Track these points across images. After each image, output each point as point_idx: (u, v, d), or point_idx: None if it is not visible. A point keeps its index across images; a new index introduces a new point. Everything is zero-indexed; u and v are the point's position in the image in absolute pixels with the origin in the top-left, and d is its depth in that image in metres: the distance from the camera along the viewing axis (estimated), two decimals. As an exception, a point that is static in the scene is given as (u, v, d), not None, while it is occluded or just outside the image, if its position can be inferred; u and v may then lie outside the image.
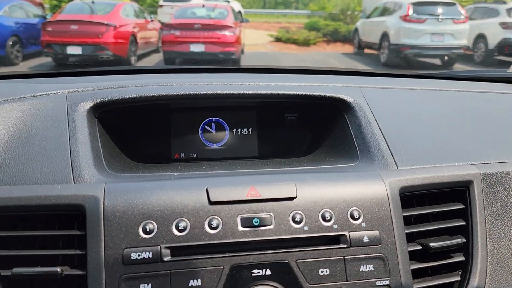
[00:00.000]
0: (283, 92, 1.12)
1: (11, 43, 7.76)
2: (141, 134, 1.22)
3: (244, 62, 8.94)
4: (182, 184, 0.84)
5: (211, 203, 0.81)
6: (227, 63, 8.14)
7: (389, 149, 1.01)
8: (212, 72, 1.59)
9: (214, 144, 1.24)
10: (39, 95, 1.05)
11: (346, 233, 0.83)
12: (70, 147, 0.90)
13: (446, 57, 9.31)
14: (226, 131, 1.24)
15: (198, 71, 1.58)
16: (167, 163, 1.14)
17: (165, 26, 8.76)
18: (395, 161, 0.98)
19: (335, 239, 0.84)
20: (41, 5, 10.16)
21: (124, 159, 1.08)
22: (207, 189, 0.82)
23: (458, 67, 9.09)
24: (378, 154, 0.99)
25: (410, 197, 0.94)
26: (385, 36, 9.45)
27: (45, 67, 7.75)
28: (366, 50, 10.81)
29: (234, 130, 1.25)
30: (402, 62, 9.09)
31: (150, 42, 9.38)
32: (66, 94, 1.04)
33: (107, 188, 0.81)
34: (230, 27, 8.27)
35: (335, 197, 0.85)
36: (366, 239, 0.83)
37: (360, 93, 1.18)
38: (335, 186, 0.87)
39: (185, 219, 0.80)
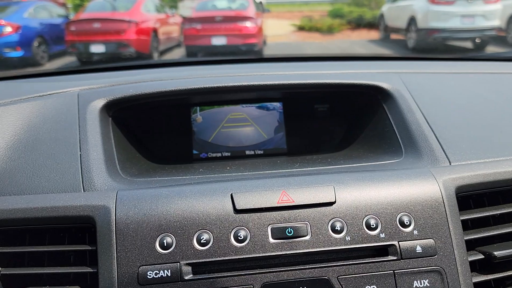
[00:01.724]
0: (313, 81, 1.01)
1: (37, 44, 7.87)
2: (160, 132, 1.13)
3: (267, 53, 8.79)
4: (204, 189, 0.74)
5: (237, 211, 0.71)
6: (250, 55, 8.02)
7: (438, 141, 0.88)
8: (235, 63, 1.48)
9: (239, 141, 1.14)
10: (49, 94, 0.97)
11: (395, 243, 0.71)
12: (80, 151, 0.82)
13: (477, 40, 8.89)
14: (251, 127, 1.14)
15: (219, 62, 1.48)
16: (188, 163, 1.04)
17: (186, 20, 8.70)
18: (446, 156, 0.85)
19: (383, 251, 0.72)
20: (64, 5, 10.27)
21: (141, 161, 0.99)
22: (231, 195, 0.72)
23: (491, 49, 8.68)
24: (426, 148, 0.87)
25: (467, 197, 0.81)
26: (412, 20, 9.10)
27: (69, 66, 7.82)
28: (393, 36, 10.47)
29: (260, 124, 1.14)
30: (431, 47, 8.75)
31: (172, 37, 9.35)
32: (77, 92, 0.96)
33: (119, 196, 0.72)
34: (251, 18, 8.14)
35: (380, 201, 0.73)
36: (419, 250, 0.71)
37: (399, 79, 1.06)
38: (379, 188, 0.75)
39: (208, 231, 0.70)
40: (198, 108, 1.15)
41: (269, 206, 0.71)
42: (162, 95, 0.97)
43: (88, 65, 7.56)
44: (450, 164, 0.84)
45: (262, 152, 1.15)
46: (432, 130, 0.90)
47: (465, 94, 1.05)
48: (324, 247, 0.70)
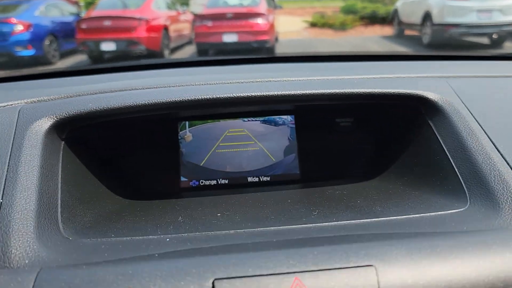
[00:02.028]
0: (337, 91, 0.74)
1: (48, 42, 7.70)
2: (137, 155, 0.87)
3: (279, 51, 8.47)
4: (172, 271, 0.47)
5: None
6: (261, 53, 7.73)
7: None
8: (240, 63, 1.21)
9: (239, 165, 0.88)
10: None
11: None
12: (1, 198, 0.56)
13: (495, 36, 8.46)
14: (255, 146, 0.88)
15: (223, 63, 1.21)
16: (169, 199, 0.78)
17: (197, 17, 8.43)
18: None
19: None
20: (76, 3, 10.07)
21: (106, 199, 0.73)
22: (213, 283, 0.45)
23: (510, 46, 8.25)
24: (505, 192, 0.59)
25: None
26: (427, 15, 8.70)
27: (80, 65, 7.63)
28: (407, 32, 10.07)
29: (266, 144, 0.88)
30: (447, 43, 8.35)
31: (183, 34, 9.10)
32: (19, 108, 0.70)
33: (39, 282, 0.46)
34: (263, 14, 7.84)
35: None
36: None
37: (448, 86, 0.78)
38: (448, 269, 0.47)
39: None
40: (187, 123, 0.89)
41: None
42: (133, 111, 0.71)
43: (99, 63, 7.33)
44: None
45: (268, 178, 0.88)
46: (508, 164, 0.62)
47: None
48: None
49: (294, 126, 0.91)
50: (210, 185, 0.88)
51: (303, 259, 0.48)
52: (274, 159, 0.89)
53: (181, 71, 1.12)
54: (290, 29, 10.95)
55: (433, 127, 0.73)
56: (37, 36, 7.49)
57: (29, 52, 7.44)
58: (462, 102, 0.74)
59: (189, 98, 0.72)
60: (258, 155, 0.89)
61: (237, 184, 0.88)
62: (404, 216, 0.60)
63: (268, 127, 0.90)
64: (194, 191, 0.86)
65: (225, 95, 0.73)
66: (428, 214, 0.61)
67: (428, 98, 0.75)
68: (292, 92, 0.74)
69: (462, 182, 0.64)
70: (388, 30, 10.67)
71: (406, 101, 0.77)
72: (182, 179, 0.87)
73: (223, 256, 0.49)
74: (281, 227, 0.59)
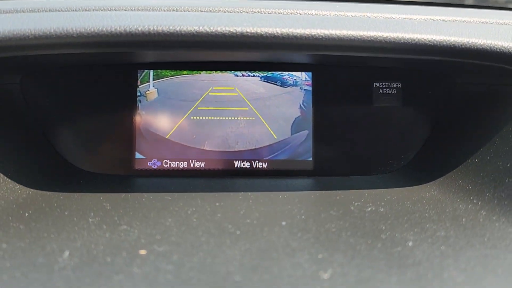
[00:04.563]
0: (394, 35, 0.41)
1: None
2: (67, 122, 0.58)
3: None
4: None
5: None
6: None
7: None
8: None
9: (223, 141, 0.58)
10: None
11: None
12: None
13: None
14: (250, 115, 0.58)
15: None
16: (111, 187, 0.50)
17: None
18: None
19: None
20: None
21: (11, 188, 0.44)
22: None
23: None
24: None
25: None
26: (474, -24, 7.89)
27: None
28: (449, -5, 9.24)
29: (266, 113, 0.58)
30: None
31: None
32: None
33: None
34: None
35: None
36: None
37: None
38: None
39: None
40: (151, 72, 0.58)
41: None
42: (51, 42, 0.40)
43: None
44: None
45: (265, 165, 0.58)
46: None
47: None
48: None
49: (310, 88, 0.58)
50: (178, 168, 0.57)
51: None
52: (276, 137, 0.58)
53: None
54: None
55: None
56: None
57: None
58: None
59: (148, 29, 0.40)
60: (253, 128, 0.58)
61: (218, 170, 0.57)
62: None
63: (271, 88, 0.58)
64: (153, 177, 0.56)
65: (214, 30, 0.41)
66: None
67: None
68: (313, 32, 0.41)
69: None
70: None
71: (488, 59, 0.43)
72: (137, 156, 0.57)
73: None
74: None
